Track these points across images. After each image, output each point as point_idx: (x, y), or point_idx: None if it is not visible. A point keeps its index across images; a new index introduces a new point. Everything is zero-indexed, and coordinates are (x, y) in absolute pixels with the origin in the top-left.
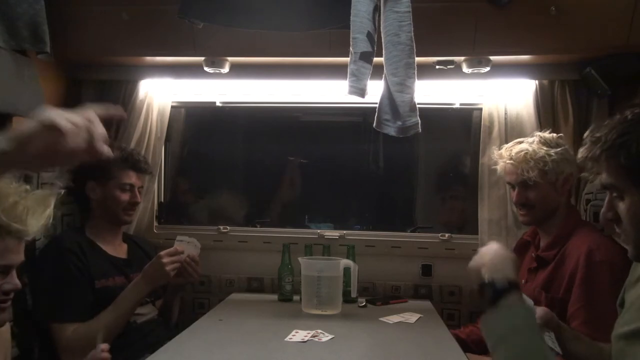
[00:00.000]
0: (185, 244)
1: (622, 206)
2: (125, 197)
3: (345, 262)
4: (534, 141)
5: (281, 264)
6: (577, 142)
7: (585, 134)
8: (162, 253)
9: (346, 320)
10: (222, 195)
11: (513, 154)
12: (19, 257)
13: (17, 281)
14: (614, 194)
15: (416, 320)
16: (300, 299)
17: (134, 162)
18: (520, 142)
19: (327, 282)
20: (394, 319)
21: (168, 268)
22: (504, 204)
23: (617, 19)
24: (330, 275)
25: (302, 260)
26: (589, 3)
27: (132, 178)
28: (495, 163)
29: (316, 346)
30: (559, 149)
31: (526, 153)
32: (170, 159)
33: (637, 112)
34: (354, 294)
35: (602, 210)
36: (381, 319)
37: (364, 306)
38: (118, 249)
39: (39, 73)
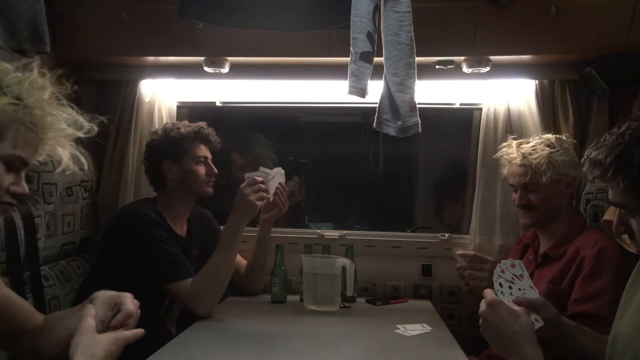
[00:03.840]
0: (267, 175)
1: (634, 223)
2: (202, 169)
3: (342, 260)
4: (541, 143)
5: (273, 266)
6: (578, 142)
7: (586, 153)
8: (242, 186)
9: (346, 319)
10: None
11: (522, 157)
12: (34, 157)
13: (25, 186)
14: (622, 211)
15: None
16: (297, 299)
17: (204, 136)
18: (526, 144)
19: (323, 279)
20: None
21: (251, 198)
22: (498, 205)
23: (617, 19)
24: (326, 273)
25: (303, 257)
26: (589, 3)
27: (204, 151)
28: (501, 164)
29: (316, 345)
30: (565, 153)
31: (535, 157)
32: None
33: (634, 127)
34: (349, 293)
35: (614, 223)
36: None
37: (344, 307)
38: (180, 228)
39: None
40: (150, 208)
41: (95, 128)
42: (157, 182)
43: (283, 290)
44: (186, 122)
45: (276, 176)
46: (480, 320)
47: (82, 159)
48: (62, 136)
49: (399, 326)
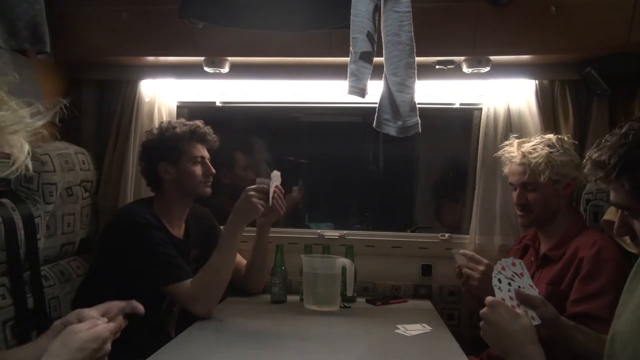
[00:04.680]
0: (269, 180)
1: (637, 224)
2: (199, 170)
3: (342, 260)
4: (541, 143)
5: (273, 266)
6: (578, 142)
7: (587, 154)
8: (249, 187)
9: (346, 319)
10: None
11: (522, 155)
12: None
13: None
14: (625, 212)
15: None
16: (297, 299)
17: (200, 135)
18: (527, 143)
19: (323, 279)
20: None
21: (255, 200)
22: (498, 205)
23: (617, 18)
24: (326, 273)
25: (303, 257)
26: (589, 3)
27: (201, 151)
28: (502, 163)
29: (316, 345)
30: (565, 153)
31: (535, 156)
32: None
33: (636, 128)
34: (349, 293)
35: (616, 225)
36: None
37: (344, 307)
38: (177, 229)
39: (39, 73)
40: (147, 210)
41: (39, 123)
42: (154, 183)
43: (283, 290)
44: (182, 120)
45: (274, 179)
46: (481, 322)
47: (30, 165)
48: (7, 134)
49: (398, 326)
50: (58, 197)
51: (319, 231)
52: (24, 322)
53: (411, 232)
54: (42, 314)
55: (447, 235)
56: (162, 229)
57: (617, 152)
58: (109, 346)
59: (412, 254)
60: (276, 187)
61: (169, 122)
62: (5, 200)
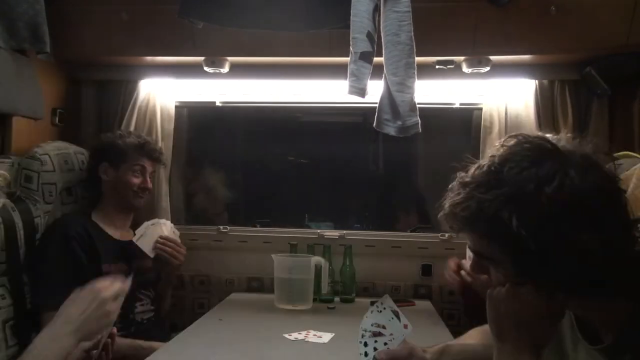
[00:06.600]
0: (145, 230)
1: (494, 274)
2: (136, 180)
3: (316, 259)
4: None
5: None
6: None
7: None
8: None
9: (346, 319)
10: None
11: None
12: None
13: None
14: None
15: None
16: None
17: (149, 150)
18: None
19: (298, 279)
20: None
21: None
22: None
23: (617, 19)
24: (301, 272)
25: (275, 257)
26: (589, 3)
27: (145, 163)
28: None
29: (316, 345)
30: None
31: None
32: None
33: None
34: (324, 290)
35: (471, 263)
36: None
37: (333, 308)
38: (125, 233)
39: (39, 73)
40: (80, 221)
41: None
42: (92, 184)
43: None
44: (138, 133)
45: (147, 232)
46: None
47: None
48: None
49: None
50: (57, 197)
51: (319, 231)
52: (24, 322)
53: (411, 232)
54: None
55: (447, 235)
56: (98, 237)
57: (465, 202)
58: (111, 306)
59: (412, 254)
60: (159, 237)
61: (123, 130)
62: (5, 201)
